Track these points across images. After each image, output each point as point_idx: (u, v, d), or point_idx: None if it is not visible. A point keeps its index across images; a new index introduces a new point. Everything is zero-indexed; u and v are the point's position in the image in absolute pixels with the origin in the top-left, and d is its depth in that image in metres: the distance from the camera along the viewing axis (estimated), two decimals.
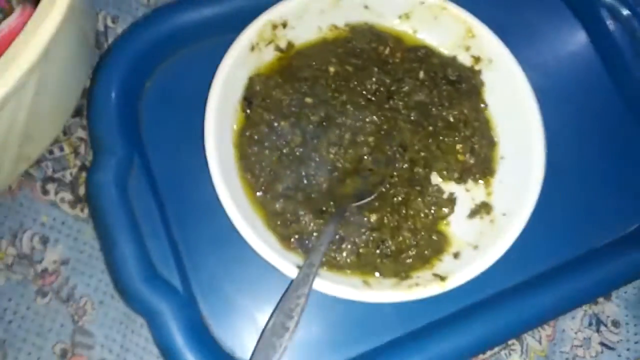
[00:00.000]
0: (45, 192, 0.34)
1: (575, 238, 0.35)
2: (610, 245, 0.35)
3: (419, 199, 0.32)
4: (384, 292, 0.29)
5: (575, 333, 0.35)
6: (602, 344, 0.35)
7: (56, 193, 0.34)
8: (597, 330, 0.35)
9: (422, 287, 0.30)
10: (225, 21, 0.34)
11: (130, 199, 0.31)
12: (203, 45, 0.35)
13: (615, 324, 0.36)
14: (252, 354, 0.27)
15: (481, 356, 0.34)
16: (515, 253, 0.31)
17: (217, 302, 0.31)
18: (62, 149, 0.35)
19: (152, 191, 0.32)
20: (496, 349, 0.34)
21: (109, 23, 0.38)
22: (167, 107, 0.34)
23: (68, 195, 0.34)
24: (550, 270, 0.34)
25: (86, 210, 0.34)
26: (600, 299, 0.36)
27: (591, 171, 0.37)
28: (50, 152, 0.34)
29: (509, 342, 0.34)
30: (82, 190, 0.34)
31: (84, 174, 0.34)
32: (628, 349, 0.36)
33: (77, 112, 0.35)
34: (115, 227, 0.29)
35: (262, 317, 0.31)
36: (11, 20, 0.29)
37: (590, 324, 0.36)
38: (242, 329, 0.31)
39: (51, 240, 0.33)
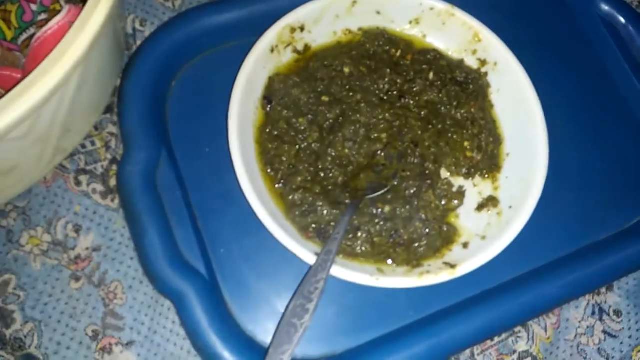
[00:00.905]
0: (78, 183, 0.36)
1: (578, 231, 0.37)
2: (612, 238, 0.37)
3: (430, 192, 0.34)
4: (397, 278, 0.31)
5: (579, 322, 0.37)
6: (604, 332, 0.37)
7: (88, 184, 0.36)
8: (600, 319, 0.37)
9: (433, 274, 0.31)
10: (245, 25, 0.37)
11: (159, 190, 0.33)
12: (224, 48, 0.37)
13: (617, 313, 0.37)
14: (275, 333, 0.29)
15: (489, 342, 0.35)
16: (521, 244, 0.32)
17: (238, 288, 0.32)
18: (93, 143, 0.37)
19: (178, 183, 0.34)
20: (504, 336, 0.36)
21: (138, 26, 0.40)
22: (191, 105, 0.36)
23: (99, 187, 0.36)
24: (555, 261, 0.35)
25: (116, 201, 0.35)
26: (603, 290, 0.38)
27: (593, 167, 0.39)
28: (83, 145, 0.36)
29: (516, 330, 0.36)
30: (112, 182, 0.36)
31: (114, 167, 0.36)
32: (630, 337, 0.37)
33: (108, 109, 0.37)
34: (145, 216, 0.31)
35: (280, 302, 0.33)
36: (59, 18, 0.31)
37: (593, 313, 0.37)
38: (261, 313, 0.32)
39: (84, 228, 0.35)
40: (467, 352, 0.35)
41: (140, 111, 0.34)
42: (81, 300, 0.33)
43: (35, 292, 0.33)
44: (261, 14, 0.37)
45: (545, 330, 0.36)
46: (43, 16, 0.34)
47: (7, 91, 0.32)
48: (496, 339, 0.35)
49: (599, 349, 0.36)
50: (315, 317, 0.29)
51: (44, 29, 0.31)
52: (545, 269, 0.35)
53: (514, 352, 0.35)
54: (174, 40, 0.36)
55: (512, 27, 0.39)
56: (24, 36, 0.34)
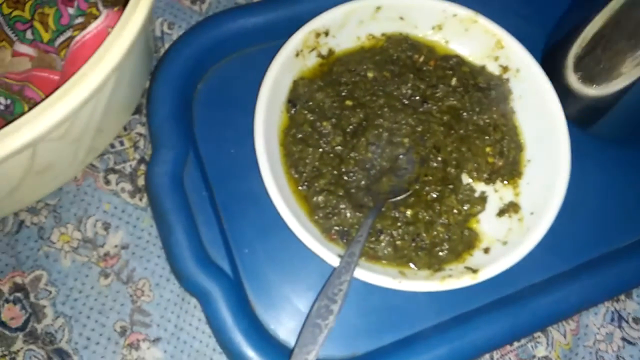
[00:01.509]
0: (107, 182, 0.37)
1: (598, 238, 0.37)
2: (632, 245, 0.37)
3: (452, 197, 0.34)
4: (419, 282, 0.31)
5: (598, 328, 0.37)
6: (623, 339, 0.37)
7: (117, 183, 0.37)
8: (619, 326, 0.37)
9: (455, 278, 0.31)
10: (269, 29, 0.37)
11: (185, 190, 0.33)
12: (249, 51, 0.38)
13: (636, 320, 0.37)
14: (300, 333, 0.29)
15: (508, 347, 0.35)
16: (542, 250, 0.32)
17: (262, 287, 0.33)
18: (122, 143, 0.38)
19: (204, 183, 0.34)
20: (523, 341, 0.36)
21: (166, 29, 0.41)
22: (217, 107, 0.37)
23: (128, 186, 0.37)
24: (575, 267, 0.35)
25: (144, 200, 0.36)
26: (622, 297, 0.38)
27: (614, 173, 0.39)
28: (112, 145, 0.37)
29: (535, 335, 0.36)
30: (140, 181, 0.37)
31: (142, 167, 0.37)
32: None
33: (137, 110, 0.38)
34: (172, 215, 0.32)
35: (302, 302, 0.33)
36: (98, 22, 0.31)
37: (612, 320, 0.37)
38: (284, 313, 0.33)
39: (112, 226, 0.35)
40: (487, 356, 0.35)
41: (168, 112, 0.35)
42: (110, 296, 0.34)
43: (65, 288, 0.34)
44: (285, 18, 0.37)
45: (565, 336, 0.36)
46: (80, 19, 0.35)
47: (45, 92, 0.34)
48: (515, 344, 0.36)
49: (617, 355, 0.36)
50: (337, 318, 0.29)
51: (83, 32, 0.32)
52: (565, 275, 0.35)
53: (533, 357, 0.36)
54: (201, 43, 0.37)
55: (535, 34, 0.39)
56: (61, 39, 0.35)
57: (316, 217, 0.33)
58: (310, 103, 0.35)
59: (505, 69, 0.38)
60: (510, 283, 0.34)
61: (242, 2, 0.42)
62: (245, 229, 0.34)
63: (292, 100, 0.36)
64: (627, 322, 0.37)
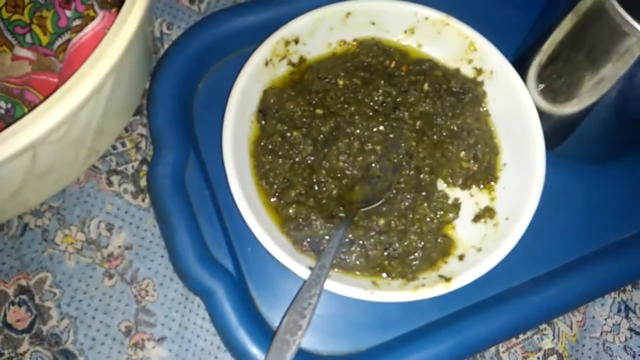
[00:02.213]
0: (109, 183, 0.28)
1: (603, 228, 0.28)
2: (636, 235, 0.27)
3: (425, 204, 0.25)
4: (392, 292, 0.23)
5: (605, 319, 0.28)
6: (630, 329, 0.28)
7: (119, 184, 0.28)
8: (626, 317, 0.28)
9: (428, 287, 0.23)
10: (269, 28, 0.27)
11: (187, 190, 0.25)
12: (249, 50, 0.27)
13: None
14: (268, 351, 0.21)
15: (514, 340, 0.27)
16: (545, 242, 0.25)
17: (265, 285, 0.25)
18: (124, 145, 0.29)
19: (206, 183, 0.26)
20: (529, 333, 0.27)
21: (165, 29, 0.31)
22: (217, 106, 0.27)
23: (130, 187, 0.28)
24: (580, 258, 0.27)
25: (147, 200, 0.28)
26: (628, 287, 0.28)
27: (618, 162, 0.29)
28: (114, 147, 0.29)
29: (541, 327, 0.27)
30: (143, 182, 0.28)
31: (144, 167, 0.28)
32: None
33: (138, 111, 0.29)
34: (175, 215, 0.24)
35: None
36: (94, 24, 0.25)
37: (619, 311, 0.28)
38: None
39: (116, 227, 0.28)
40: (492, 349, 0.27)
41: (168, 113, 0.26)
42: (114, 297, 0.26)
43: (70, 290, 0.26)
44: (285, 15, 0.27)
45: (571, 328, 0.27)
46: (77, 22, 0.27)
47: (45, 95, 0.26)
48: (521, 337, 0.27)
49: (625, 346, 0.28)
50: (341, 314, 0.22)
51: (80, 34, 0.25)
52: (570, 266, 0.26)
53: (540, 349, 0.27)
54: (200, 43, 0.28)
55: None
56: (59, 41, 0.28)
57: (287, 229, 0.24)
58: (281, 113, 0.26)
59: (479, 71, 0.28)
60: (515, 276, 0.25)
61: (241, 1, 0.32)
62: (247, 227, 0.25)
63: (263, 110, 0.26)
64: (634, 312, 0.28)
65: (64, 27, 0.28)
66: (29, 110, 0.26)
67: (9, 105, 0.26)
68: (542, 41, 0.25)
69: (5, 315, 0.26)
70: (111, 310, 0.26)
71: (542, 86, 0.26)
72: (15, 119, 0.26)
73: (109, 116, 0.24)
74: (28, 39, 0.28)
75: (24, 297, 0.26)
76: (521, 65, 0.27)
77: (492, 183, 0.26)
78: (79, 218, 0.28)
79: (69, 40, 0.26)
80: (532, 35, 0.28)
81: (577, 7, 0.22)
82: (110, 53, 0.20)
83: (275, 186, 0.25)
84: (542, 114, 0.26)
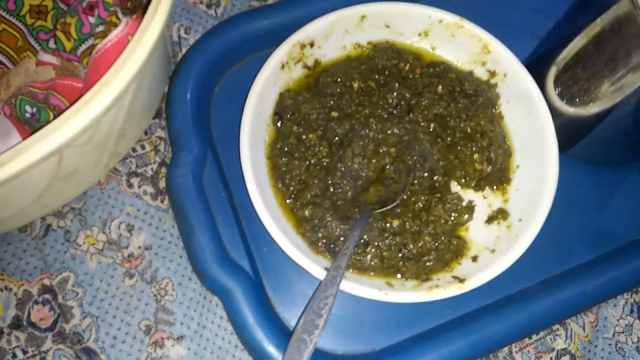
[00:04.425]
0: (129, 185, 0.29)
1: (616, 229, 0.27)
2: None
3: (439, 206, 0.25)
4: (406, 293, 0.23)
5: (617, 320, 0.28)
6: None
7: (139, 186, 0.29)
8: (639, 317, 0.28)
9: (442, 288, 0.23)
10: (285, 31, 0.27)
11: (205, 191, 0.26)
12: (265, 53, 0.28)
13: None
14: (285, 350, 0.21)
15: (527, 340, 0.27)
16: (560, 243, 0.25)
17: (281, 285, 0.25)
18: (143, 147, 0.29)
19: (223, 184, 0.26)
20: (542, 334, 0.27)
21: (182, 34, 0.32)
22: (234, 109, 0.27)
23: (150, 188, 0.29)
24: (593, 259, 0.26)
25: (166, 202, 0.28)
26: None
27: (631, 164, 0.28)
28: (134, 149, 0.29)
29: (554, 328, 0.27)
30: (162, 184, 0.29)
31: (163, 169, 0.29)
32: None
33: (157, 114, 0.30)
34: (193, 216, 0.25)
35: None
36: (118, 30, 0.25)
37: (631, 311, 0.28)
38: (303, 310, 0.25)
39: (136, 228, 0.28)
40: (505, 349, 0.27)
41: (186, 116, 0.26)
42: (134, 296, 0.27)
43: (92, 289, 0.27)
44: (300, 19, 0.27)
45: (584, 329, 0.27)
46: (100, 28, 0.27)
47: (70, 100, 0.26)
48: (534, 337, 0.27)
49: (637, 347, 0.27)
50: (356, 314, 0.22)
51: (104, 40, 0.25)
52: (583, 267, 0.26)
53: (552, 350, 0.27)
54: (217, 47, 0.28)
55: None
56: (83, 47, 0.28)
57: (303, 229, 0.24)
58: (296, 115, 0.26)
59: (492, 73, 0.28)
60: (527, 276, 0.25)
61: (257, 5, 0.32)
62: (263, 228, 0.26)
63: (279, 113, 0.26)
64: None
65: (87, 34, 0.28)
66: (54, 115, 0.27)
67: (34, 110, 0.26)
68: (562, 46, 0.25)
69: (29, 314, 0.26)
70: (131, 309, 0.26)
71: (559, 89, 0.26)
72: (40, 123, 0.26)
73: (131, 120, 0.24)
74: (52, 44, 0.28)
75: (47, 296, 0.27)
76: (535, 68, 0.27)
77: (505, 185, 0.26)
78: (100, 219, 0.28)
79: (92, 46, 0.27)
80: (550, 39, 0.27)
81: (604, 16, 0.22)
82: (134, 59, 0.20)
83: (291, 188, 0.25)
84: (556, 116, 0.26)
